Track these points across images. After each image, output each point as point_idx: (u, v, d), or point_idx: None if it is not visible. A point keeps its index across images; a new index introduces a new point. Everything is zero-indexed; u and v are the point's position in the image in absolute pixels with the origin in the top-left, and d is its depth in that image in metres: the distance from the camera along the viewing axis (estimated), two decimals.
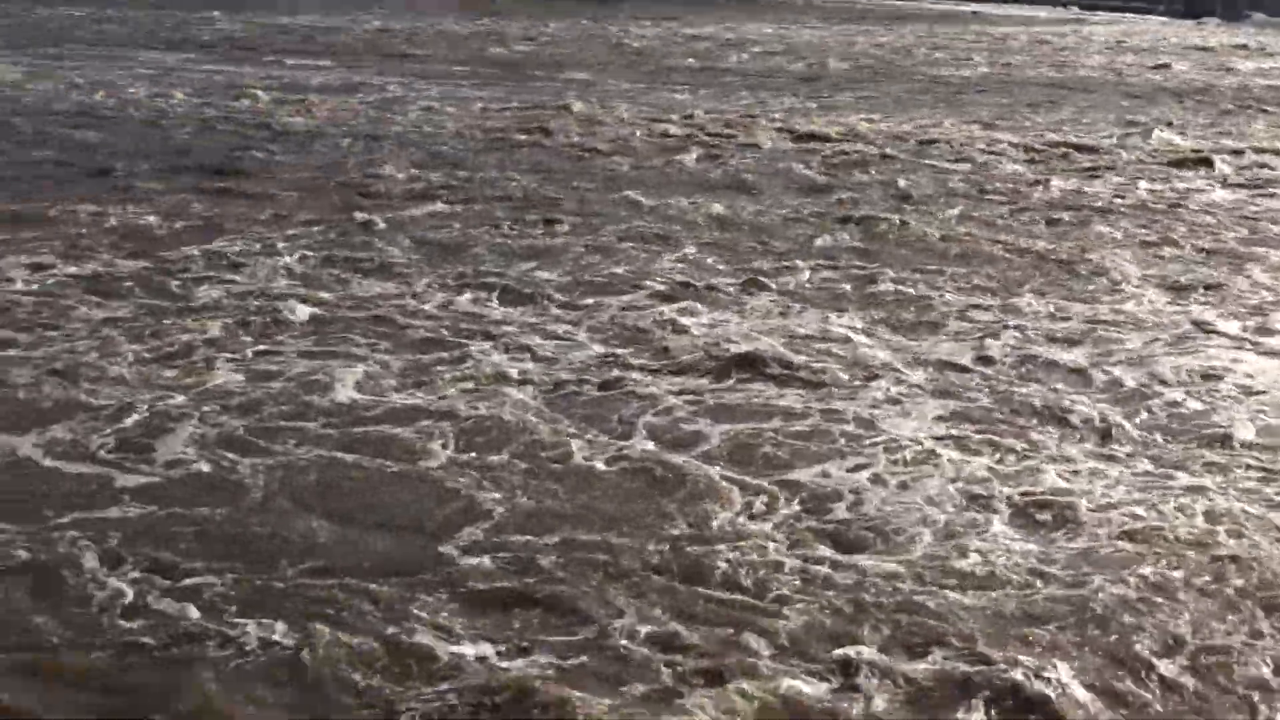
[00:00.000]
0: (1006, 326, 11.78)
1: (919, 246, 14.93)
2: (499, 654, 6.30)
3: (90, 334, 10.72)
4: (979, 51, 42.92)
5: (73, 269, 12.49)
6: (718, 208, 16.52)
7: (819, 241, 14.94)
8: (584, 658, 6.30)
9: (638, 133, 22.57)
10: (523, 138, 21.60)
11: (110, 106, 23.45)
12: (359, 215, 15.34)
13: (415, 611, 6.61)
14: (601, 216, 15.88)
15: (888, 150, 21.63)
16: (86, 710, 5.79)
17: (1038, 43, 48.52)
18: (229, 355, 10.37)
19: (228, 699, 5.89)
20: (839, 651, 6.41)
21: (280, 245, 13.83)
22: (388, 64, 32.45)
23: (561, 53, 37.35)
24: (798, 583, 7.04)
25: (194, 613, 6.54)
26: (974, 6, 78.50)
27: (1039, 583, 7.16)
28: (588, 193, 17.38)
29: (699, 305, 12.18)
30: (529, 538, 7.47)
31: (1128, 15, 71.33)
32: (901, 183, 18.80)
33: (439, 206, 16.19)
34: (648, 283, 12.89)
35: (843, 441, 9.07)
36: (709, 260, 13.89)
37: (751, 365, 10.44)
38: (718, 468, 8.54)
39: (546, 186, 17.68)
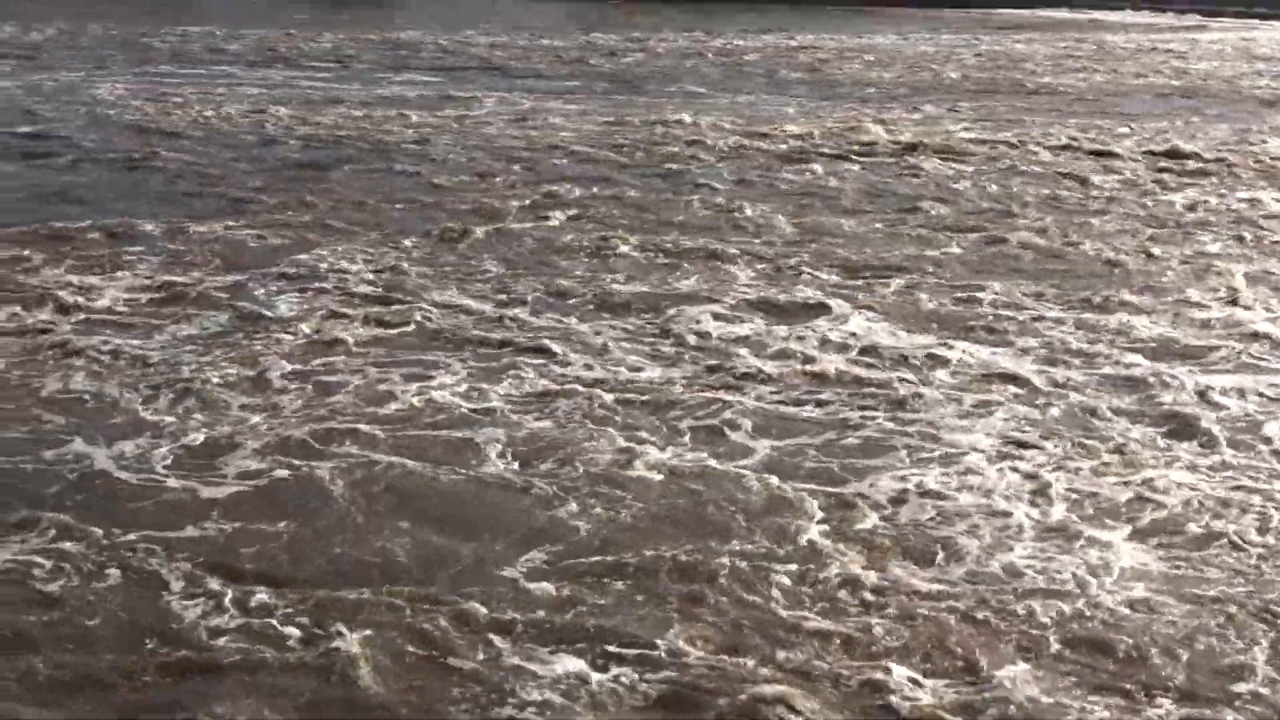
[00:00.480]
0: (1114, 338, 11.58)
1: (1023, 258, 14.70)
2: (570, 677, 6.22)
3: (170, 346, 10.84)
4: (1092, 60, 42.26)
5: (166, 281, 12.64)
6: (818, 219, 16.39)
7: (927, 252, 14.81)
8: (657, 676, 6.21)
9: (745, 143, 22.51)
10: (632, 150, 21.64)
11: (214, 123, 23.82)
12: (458, 227, 15.42)
13: (490, 635, 6.51)
14: (701, 229, 15.83)
15: (991, 160, 21.37)
16: None
17: (1156, 50, 47.68)
18: (300, 365, 10.42)
19: (292, 713, 5.88)
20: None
21: (374, 257, 13.92)
22: (497, 79, 32.72)
23: (672, 65, 37.41)
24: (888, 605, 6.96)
25: (263, 625, 6.54)
26: (1093, 14, 77.37)
27: None
28: (690, 204, 17.33)
29: (788, 318, 12.10)
30: (597, 558, 7.41)
31: (1252, 21, 69.78)
32: (998, 191, 18.53)
33: (545, 220, 16.19)
34: (731, 295, 12.80)
35: (905, 454, 8.99)
36: (810, 271, 13.78)
37: (840, 381, 10.41)
38: (797, 483, 8.44)
39: (650, 197, 17.68)
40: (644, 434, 9.22)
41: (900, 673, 6.26)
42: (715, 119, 25.55)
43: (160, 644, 6.36)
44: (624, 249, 14.66)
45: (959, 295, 13.05)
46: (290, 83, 30.51)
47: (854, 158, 21.50)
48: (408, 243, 14.69)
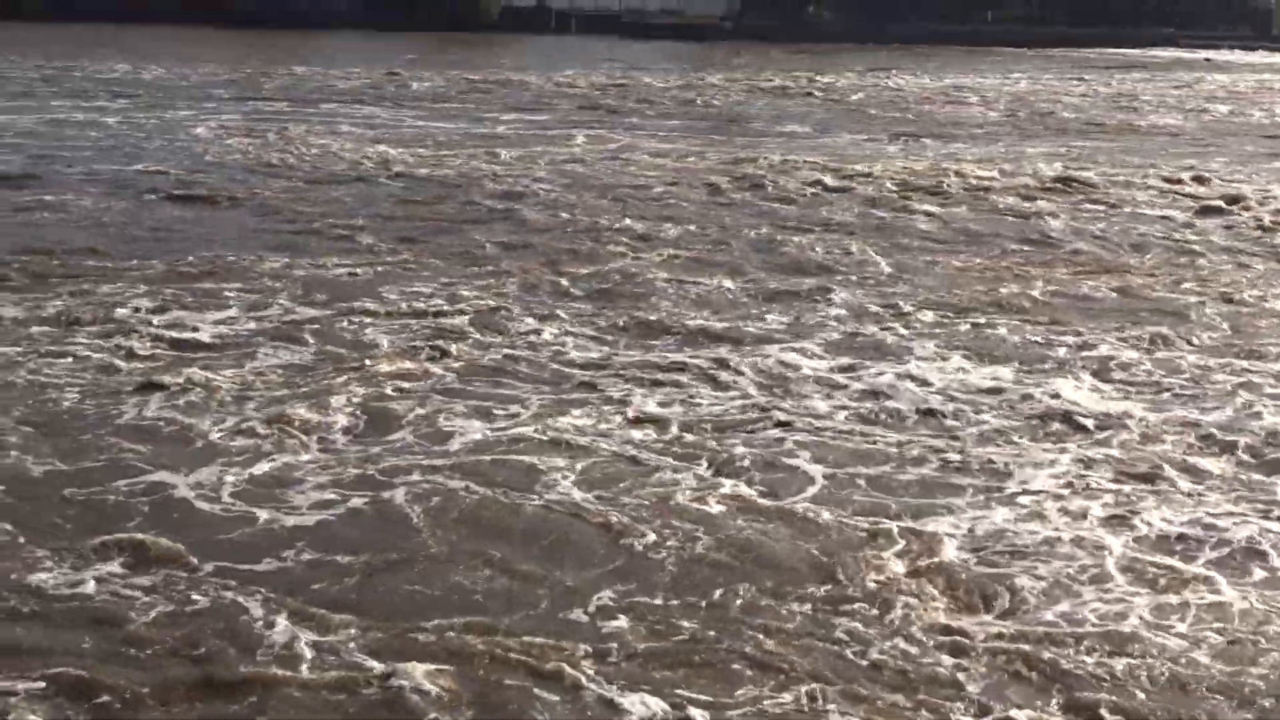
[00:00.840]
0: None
1: (1111, 299, 14.50)
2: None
3: (253, 377, 11.00)
4: (1205, 100, 41.60)
5: (256, 316, 12.87)
6: (909, 258, 16.29)
7: (1003, 290, 14.65)
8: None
9: (842, 183, 22.46)
10: (726, 188, 21.68)
11: (315, 161, 24.22)
12: (549, 263, 15.53)
13: (563, 675, 6.49)
14: (790, 268, 15.83)
15: (1095, 201, 21.12)
16: None
17: (1271, 89, 46.78)
18: (378, 397, 10.51)
19: None
20: None
21: (463, 293, 14.03)
22: (596, 118, 32.97)
23: (774, 106, 37.45)
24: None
25: (338, 658, 6.59)
26: (1207, 54, 76.19)
27: None
28: (779, 242, 17.30)
29: (869, 355, 12.03)
30: (671, 596, 7.39)
31: None
32: (1098, 231, 18.30)
33: (635, 257, 16.26)
34: (814, 333, 12.77)
35: (974, 492, 8.87)
36: (896, 309, 13.74)
37: (914, 418, 10.34)
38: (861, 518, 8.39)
39: (740, 234, 17.67)
40: (716, 468, 9.20)
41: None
42: (812, 159, 25.52)
43: (240, 671, 6.44)
44: (712, 286, 14.67)
45: (1044, 335, 12.91)
46: (393, 122, 30.98)
47: (950, 197, 21.35)
48: (499, 279, 14.80)
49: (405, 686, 6.34)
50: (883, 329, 13.02)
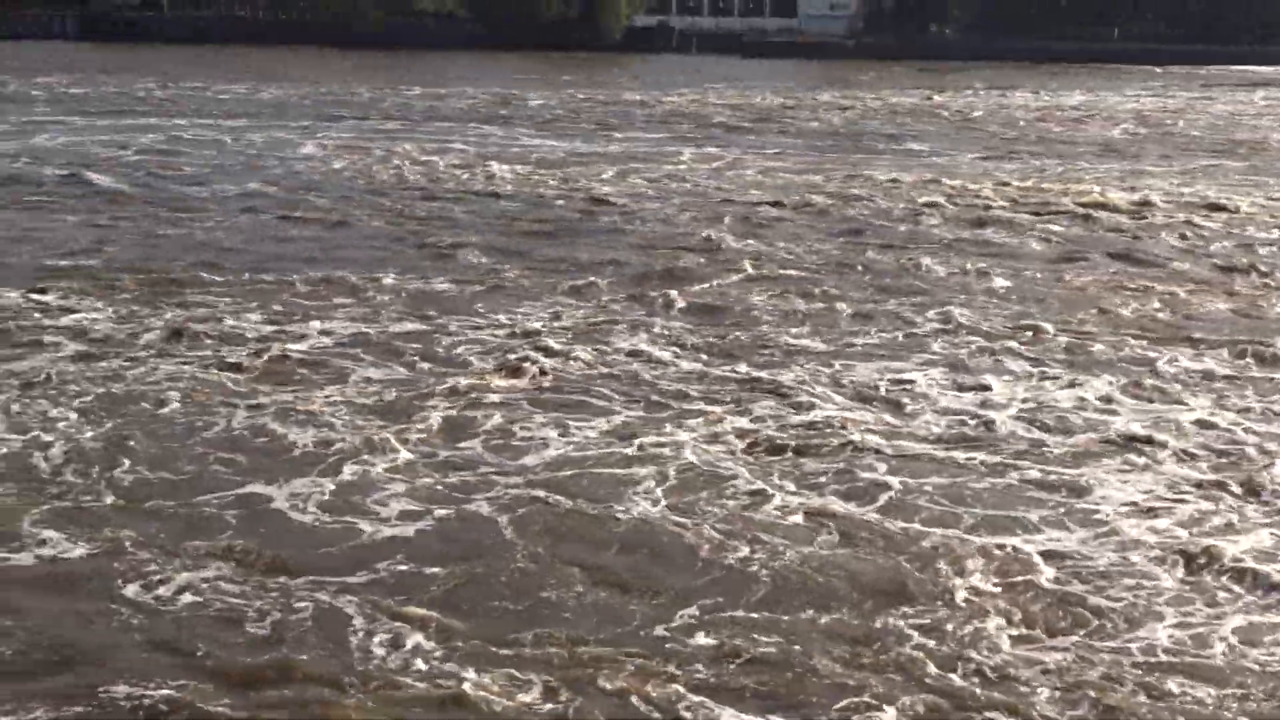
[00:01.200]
0: None
1: (1224, 322, 14.19)
2: None
3: (349, 388, 11.16)
4: None
5: (356, 330, 13.05)
6: (1018, 281, 16.08)
7: (1111, 309, 14.42)
8: None
9: (957, 201, 22.23)
10: (836, 205, 21.55)
11: (424, 179, 24.45)
12: (651, 280, 15.57)
13: (650, 689, 6.54)
14: (892, 288, 15.71)
15: (1210, 220, 20.68)
16: None
17: None
18: (469, 409, 10.61)
19: None
20: None
21: (563, 307, 14.13)
22: (710, 135, 32.95)
23: (892, 123, 37.17)
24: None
25: (432, 665, 6.69)
26: None
27: None
28: (881, 261, 17.17)
29: (964, 374, 11.91)
30: (757, 610, 7.36)
31: None
32: (1227, 250, 17.95)
33: (737, 273, 16.20)
34: (911, 352, 12.66)
35: (1055, 510, 8.74)
36: (995, 330, 13.54)
37: (1000, 438, 10.22)
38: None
39: (845, 253, 17.57)
40: (801, 484, 9.17)
41: None
42: (926, 176, 25.26)
43: (337, 676, 6.58)
44: (812, 303, 14.60)
45: (1149, 354, 12.70)
46: (505, 140, 31.26)
47: (1065, 216, 20.99)
48: (598, 295, 14.86)
49: (495, 696, 6.43)
50: (981, 347, 12.87)
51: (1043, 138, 33.94)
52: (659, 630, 7.08)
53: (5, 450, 9.46)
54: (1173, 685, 6.61)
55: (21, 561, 7.78)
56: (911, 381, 11.63)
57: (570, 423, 10.35)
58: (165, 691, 6.36)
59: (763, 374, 11.77)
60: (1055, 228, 19.98)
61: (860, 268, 16.73)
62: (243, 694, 6.37)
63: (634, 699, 6.42)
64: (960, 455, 9.84)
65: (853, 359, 12.36)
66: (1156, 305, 14.85)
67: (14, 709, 6.17)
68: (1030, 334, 13.40)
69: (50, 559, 7.81)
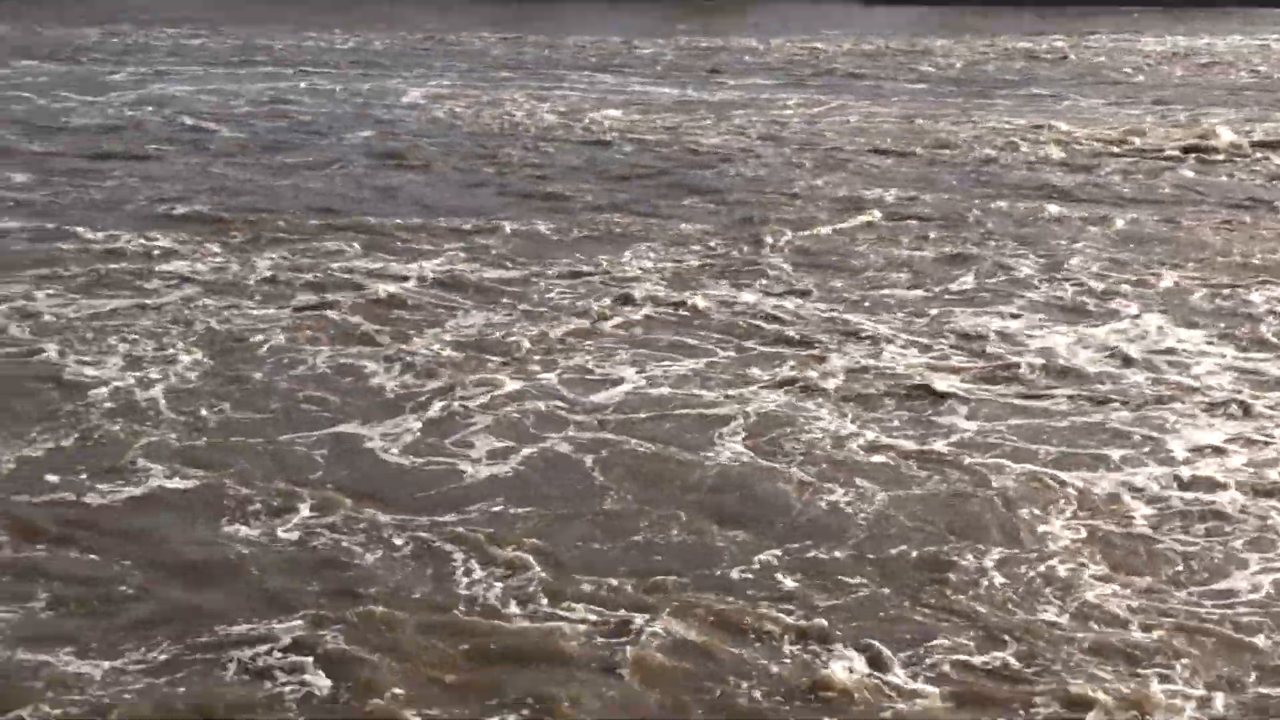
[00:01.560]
0: None
1: None
2: (841, 674, 6.19)
3: (443, 331, 11.30)
4: None
5: (455, 271, 13.19)
6: (1138, 227, 15.78)
7: (1226, 255, 14.16)
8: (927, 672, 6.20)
9: (1074, 146, 21.81)
10: (949, 151, 21.28)
11: (534, 126, 24.47)
12: (755, 226, 15.52)
13: (745, 629, 6.58)
14: (1002, 232, 15.51)
15: None
16: (451, 703, 6.02)
17: None
18: (559, 352, 10.72)
19: (576, 687, 6.07)
20: None
21: (666, 254, 14.15)
22: (824, 83, 32.57)
23: (1010, 69, 36.42)
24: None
25: (529, 605, 6.77)
26: None
27: None
28: (995, 206, 16.93)
29: (1072, 317, 11.83)
30: (850, 551, 7.38)
31: None
32: None
33: (843, 220, 16.08)
34: (1015, 296, 12.52)
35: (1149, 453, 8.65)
36: (1110, 275, 13.38)
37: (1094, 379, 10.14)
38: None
39: (955, 200, 17.38)
40: (890, 426, 9.19)
41: (1159, 686, 6.11)
42: (1044, 121, 24.76)
43: (440, 614, 6.69)
44: (913, 251, 14.49)
45: (1250, 300, 12.51)
46: (615, 87, 31.17)
47: (1189, 161, 20.50)
48: (700, 239, 14.86)
49: (590, 631, 6.52)
50: (1083, 291, 12.73)
51: (1168, 82, 33.06)
52: (747, 571, 7.13)
53: (112, 386, 9.73)
54: (1255, 632, 6.54)
55: (122, 495, 8.00)
56: (1008, 326, 11.54)
57: (662, 366, 10.42)
58: (266, 627, 6.48)
59: (858, 318, 11.73)
60: (1173, 173, 19.53)
61: (968, 213, 16.50)
62: (345, 630, 6.48)
63: (724, 638, 6.46)
64: (1049, 397, 9.79)
65: (951, 304, 12.29)
66: (1269, 253, 14.47)
67: (108, 645, 6.33)
68: (1135, 279, 13.17)
69: (150, 494, 8.02)
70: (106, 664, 6.16)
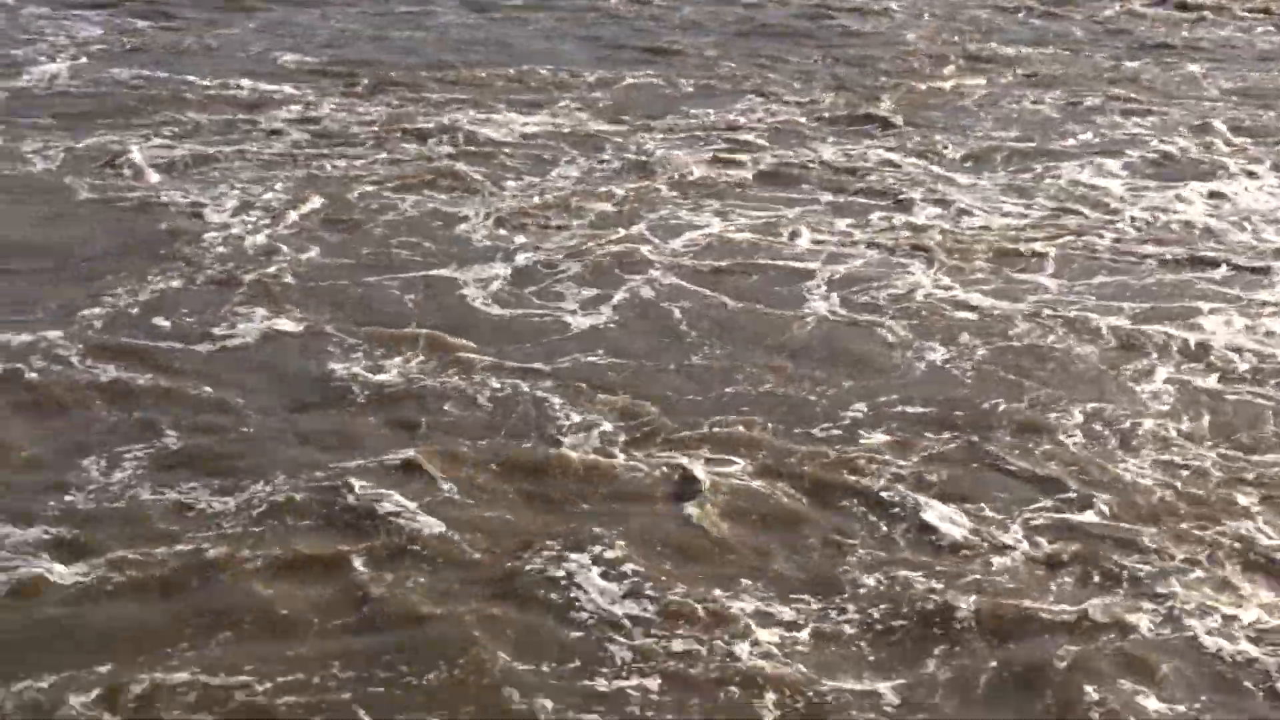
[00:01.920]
0: None
1: None
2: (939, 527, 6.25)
3: (543, 178, 11.40)
4: None
5: (558, 124, 13.21)
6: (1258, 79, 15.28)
7: None
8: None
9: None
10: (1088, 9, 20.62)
11: None
12: (872, 85, 15.23)
13: (844, 476, 6.64)
14: (1127, 79, 15.04)
15: None
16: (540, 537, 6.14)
17: None
18: (650, 204, 10.76)
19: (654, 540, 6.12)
20: None
21: (775, 110, 13.97)
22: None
23: None
24: None
25: (631, 451, 6.86)
26: None
27: None
28: (1120, 63, 16.40)
29: (1171, 175, 11.64)
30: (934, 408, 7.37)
31: None
32: None
33: (965, 77, 15.73)
34: (1129, 151, 12.28)
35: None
36: (1205, 127, 13.10)
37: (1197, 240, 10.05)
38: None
39: (1087, 55, 16.87)
40: (984, 281, 9.16)
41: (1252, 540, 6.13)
42: None
43: (543, 454, 6.83)
44: (1024, 105, 14.25)
45: None
46: None
47: None
48: (809, 94, 14.65)
49: (678, 479, 6.62)
50: (1191, 145, 12.54)
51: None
52: (836, 427, 7.15)
53: (221, 232, 9.90)
54: None
55: (232, 337, 8.17)
56: (1110, 182, 11.39)
57: (759, 217, 10.41)
58: (376, 461, 6.61)
59: (963, 175, 11.61)
60: None
61: (1079, 68, 16.12)
62: (453, 474, 6.59)
63: (819, 488, 6.53)
64: (1149, 256, 9.71)
65: (1058, 158, 12.12)
66: None
67: (232, 483, 6.48)
68: (1254, 141, 12.85)
69: (259, 336, 8.19)
70: (231, 500, 6.31)
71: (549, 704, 4.98)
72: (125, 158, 11.51)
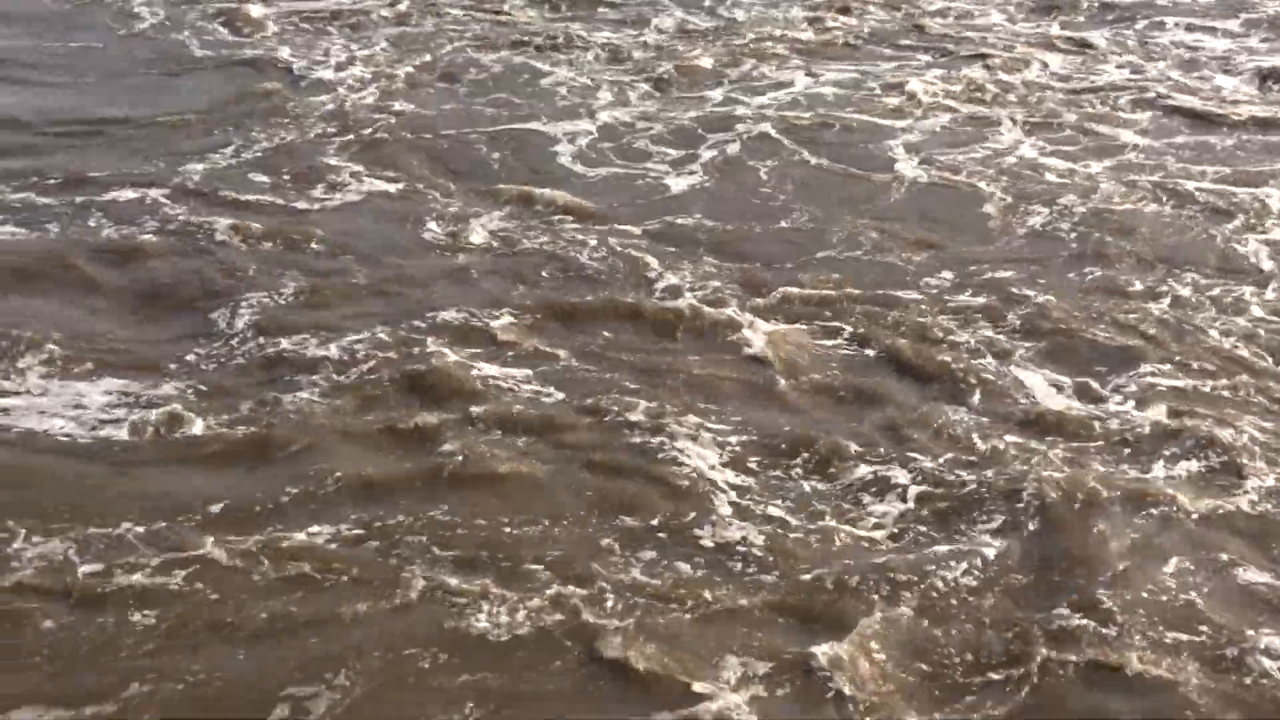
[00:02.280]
0: None
1: None
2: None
3: (643, 35, 11.40)
4: None
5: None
6: None
7: None
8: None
9: None
10: None
11: None
12: None
13: (927, 341, 6.59)
14: None
15: None
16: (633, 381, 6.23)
17: None
18: (750, 57, 10.74)
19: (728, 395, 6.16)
20: None
21: None
22: None
23: None
24: None
25: (722, 307, 6.87)
26: None
27: None
28: None
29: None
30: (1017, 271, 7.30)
31: None
32: None
33: None
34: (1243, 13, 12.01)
35: None
36: None
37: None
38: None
39: None
40: (1074, 141, 9.05)
41: None
42: None
43: (629, 300, 6.90)
44: None
45: None
46: None
47: None
48: None
49: (789, 321, 6.69)
50: None
51: None
52: (931, 286, 7.11)
53: (324, 95, 9.94)
54: None
55: (332, 198, 8.21)
56: (1220, 43, 11.26)
57: (846, 76, 10.35)
58: (480, 321, 6.66)
59: (1067, 31, 11.49)
60: None
61: None
62: (557, 328, 6.67)
63: (911, 347, 6.51)
64: (1238, 113, 9.59)
65: (1163, 15, 11.90)
66: None
67: (339, 329, 6.59)
68: None
69: (359, 197, 8.23)
70: (335, 346, 6.39)
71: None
72: (225, 18, 11.64)
